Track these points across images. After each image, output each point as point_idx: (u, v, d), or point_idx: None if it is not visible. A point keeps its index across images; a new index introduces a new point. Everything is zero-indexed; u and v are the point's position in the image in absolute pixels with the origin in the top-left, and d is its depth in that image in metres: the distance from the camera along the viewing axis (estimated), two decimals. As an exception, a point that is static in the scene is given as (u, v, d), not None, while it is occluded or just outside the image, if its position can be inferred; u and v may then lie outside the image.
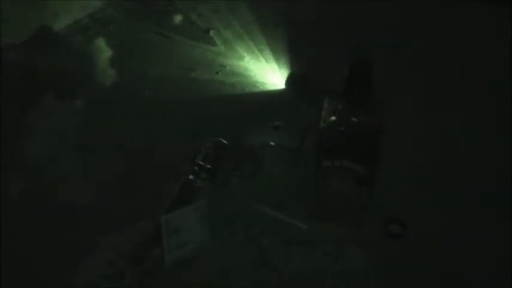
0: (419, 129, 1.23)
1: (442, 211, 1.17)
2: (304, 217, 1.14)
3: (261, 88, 1.33)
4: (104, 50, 1.39)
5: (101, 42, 1.40)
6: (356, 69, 1.02)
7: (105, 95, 1.32)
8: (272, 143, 1.23)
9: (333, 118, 1.05)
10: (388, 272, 1.07)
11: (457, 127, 1.26)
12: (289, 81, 1.31)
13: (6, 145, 1.23)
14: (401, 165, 1.16)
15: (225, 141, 1.19)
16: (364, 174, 1.05)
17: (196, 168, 1.15)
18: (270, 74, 1.36)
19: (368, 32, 1.37)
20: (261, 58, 1.37)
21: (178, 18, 1.43)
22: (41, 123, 1.25)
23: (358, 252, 1.09)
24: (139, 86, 1.33)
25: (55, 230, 1.12)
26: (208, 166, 1.16)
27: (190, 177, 1.15)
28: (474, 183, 1.19)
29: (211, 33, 1.42)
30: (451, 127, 1.24)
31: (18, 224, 1.13)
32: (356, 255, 1.08)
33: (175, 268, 1.07)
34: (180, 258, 1.08)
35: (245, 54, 1.38)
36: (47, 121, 1.27)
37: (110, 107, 1.29)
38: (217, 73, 1.36)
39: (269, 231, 1.12)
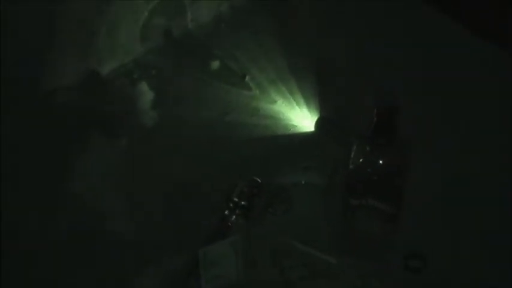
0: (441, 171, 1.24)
1: (461, 247, 1.15)
2: (332, 251, 1.15)
3: (292, 130, 1.36)
4: (146, 93, 1.45)
5: (143, 86, 1.46)
6: (382, 115, 1.06)
7: (147, 135, 1.37)
8: (302, 182, 1.26)
9: (361, 160, 1.09)
10: None
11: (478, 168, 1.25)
12: (319, 124, 1.34)
13: (54, 184, 1.28)
14: (423, 204, 1.18)
15: (258, 180, 1.23)
16: (389, 212, 1.08)
17: (231, 204, 1.19)
18: (300, 117, 1.39)
19: (395, 79, 1.38)
20: (293, 102, 1.41)
21: (216, 65, 1.47)
22: (86, 162, 1.31)
23: (379, 285, 1.11)
24: (178, 128, 1.38)
25: (103, 265, 1.17)
26: (243, 203, 1.20)
27: (226, 212, 1.19)
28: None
29: (247, 78, 1.46)
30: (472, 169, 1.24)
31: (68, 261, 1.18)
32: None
33: None
34: None
35: (278, 98, 1.42)
36: (93, 160, 1.33)
37: (151, 147, 1.35)
38: (251, 116, 1.41)
39: (298, 266, 1.13)
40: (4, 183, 1.27)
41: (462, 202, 1.20)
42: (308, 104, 1.41)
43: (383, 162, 1.07)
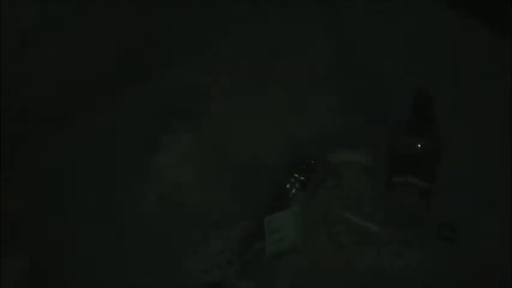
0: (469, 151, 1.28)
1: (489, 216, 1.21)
2: (376, 221, 1.24)
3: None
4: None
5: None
6: (420, 104, 1.20)
7: (221, 119, 1.46)
8: (351, 161, 1.32)
9: (402, 142, 1.23)
10: (439, 269, 1.17)
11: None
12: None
13: (143, 159, 1.41)
14: (454, 180, 1.24)
15: (314, 159, 1.32)
16: (425, 188, 1.19)
17: (292, 179, 1.29)
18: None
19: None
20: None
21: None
22: (169, 141, 1.43)
23: (416, 252, 1.19)
24: (247, 113, 1.45)
25: (178, 231, 1.29)
26: (302, 178, 1.29)
27: (288, 186, 1.29)
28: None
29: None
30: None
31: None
32: (414, 255, 1.19)
33: (273, 259, 1.22)
34: (278, 252, 1.22)
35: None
36: (174, 139, 1.44)
37: (225, 129, 1.43)
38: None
39: (346, 232, 1.24)
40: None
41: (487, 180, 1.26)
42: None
43: (421, 145, 1.20)
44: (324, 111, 1.43)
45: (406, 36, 1.47)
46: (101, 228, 1.31)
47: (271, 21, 1.57)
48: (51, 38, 1.54)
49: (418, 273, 1.17)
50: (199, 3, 1.61)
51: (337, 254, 1.21)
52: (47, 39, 1.54)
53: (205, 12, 1.60)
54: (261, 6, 1.58)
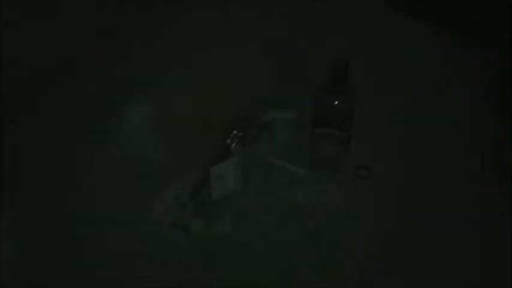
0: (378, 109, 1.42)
1: (400, 158, 1.35)
2: (303, 166, 1.37)
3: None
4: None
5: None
6: (337, 69, 1.28)
7: (173, 89, 1.50)
8: (281, 118, 1.43)
9: (323, 101, 1.32)
10: (357, 202, 1.31)
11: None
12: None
13: (104, 121, 1.41)
14: (367, 128, 1.37)
15: (250, 117, 1.42)
16: (342, 137, 1.31)
17: (232, 135, 1.39)
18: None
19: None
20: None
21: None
22: (131, 106, 1.45)
23: (337, 189, 1.33)
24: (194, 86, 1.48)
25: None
26: (240, 133, 1.40)
27: (228, 141, 1.39)
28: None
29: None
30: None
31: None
32: (335, 191, 1.33)
33: (219, 201, 1.32)
34: (222, 195, 1.32)
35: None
36: (136, 104, 1.46)
37: (180, 96, 1.46)
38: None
39: (279, 176, 1.36)
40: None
41: (400, 125, 1.41)
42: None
43: (338, 102, 1.31)
44: (258, 78, 1.53)
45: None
46: (73, 187, 1.34)
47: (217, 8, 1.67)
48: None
49: (338, 207, 1.30)
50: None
51: (272, 193, 1.34)
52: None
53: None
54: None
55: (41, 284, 1.22)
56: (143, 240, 1.26)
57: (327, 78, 1.29)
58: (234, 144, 1.40)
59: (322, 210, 1.30)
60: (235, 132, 1.41)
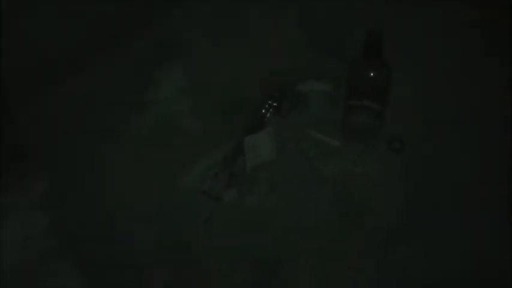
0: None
1: (434, 133, 1.34)
2: (337, 138, 1.36)
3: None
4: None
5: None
6: (371, 39, 1.23)
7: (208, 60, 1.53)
8: (315, 90, 1.42)
9: (358, 73, 1.29)
10: (391, 174, 1.31)
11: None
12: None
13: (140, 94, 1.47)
14: (403, 103, 1.36)
15: (286, 89, 1.41)
16: (377, 109, 1.28)
17: (267, 106, 1.38)
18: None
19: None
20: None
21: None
22: (164, 77, 1.49)
23: (373, 161, 1.33)
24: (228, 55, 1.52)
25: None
26: (275, 104, 1.39)
27: (263, 111, 1.38)
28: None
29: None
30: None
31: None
32: (371, 163, 1.32)
33: (253, 171, 1.32)
34: (256, 165, 1.32)
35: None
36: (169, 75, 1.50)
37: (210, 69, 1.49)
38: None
39: (313, 147, 1.35)
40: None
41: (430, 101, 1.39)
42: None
43: (373, 74, 1.27)
44: (295, 49, 1.52)
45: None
46: (106, 154, 1.39)
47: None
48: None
49: (372, 180, 1.30)
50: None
51: (305, 164, 1.33)
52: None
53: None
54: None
55: (71, 252, 1.25)
56: (174, 208, 1.28)
57: (362, 49, 1.25)
58: (268, 115, 1.39)
59: (355, 182, 1.31)
60: (270, 102, 1.40)
